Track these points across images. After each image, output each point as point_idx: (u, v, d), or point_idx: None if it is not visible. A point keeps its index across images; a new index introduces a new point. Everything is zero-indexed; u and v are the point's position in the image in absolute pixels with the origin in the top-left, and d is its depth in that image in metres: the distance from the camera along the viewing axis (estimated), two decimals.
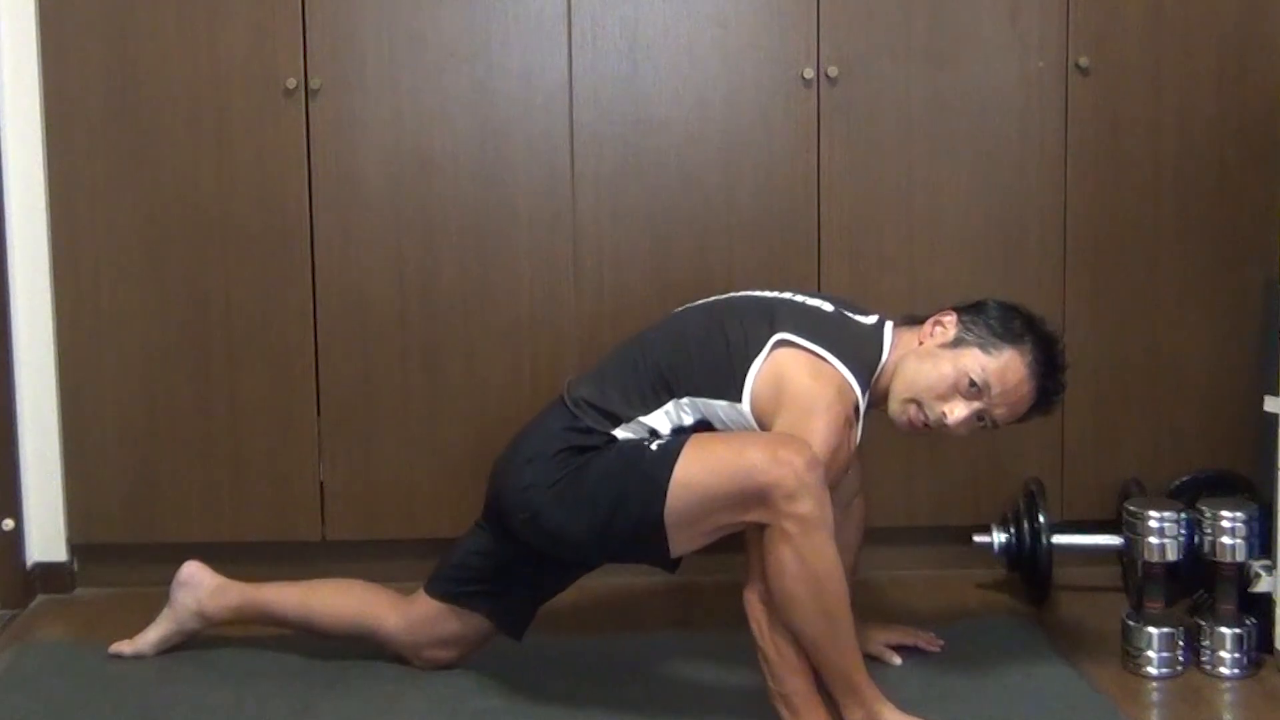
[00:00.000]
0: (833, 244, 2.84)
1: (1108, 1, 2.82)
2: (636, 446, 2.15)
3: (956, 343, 2.20)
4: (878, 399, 2.24)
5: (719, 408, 2.17)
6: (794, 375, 2.12)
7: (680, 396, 2.19)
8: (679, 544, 2.12)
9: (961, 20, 2.81)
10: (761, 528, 2.04)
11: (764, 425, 2.13)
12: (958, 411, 2.16)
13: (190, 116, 2.77)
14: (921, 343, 2.23)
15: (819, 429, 2.06)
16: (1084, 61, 2.82)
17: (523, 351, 2.84)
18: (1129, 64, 2.84)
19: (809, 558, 2.00)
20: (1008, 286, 2.83)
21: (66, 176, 2.78)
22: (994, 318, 2.23)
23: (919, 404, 2.19)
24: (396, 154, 2.80)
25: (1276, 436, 2.40)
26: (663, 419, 2.19)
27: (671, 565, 2.22)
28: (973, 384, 2.16)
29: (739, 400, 2.15)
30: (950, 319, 2.24)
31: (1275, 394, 2.42)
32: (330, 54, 2.76)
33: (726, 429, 2.17)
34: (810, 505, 1.99)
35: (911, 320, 2.30)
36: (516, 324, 2.84)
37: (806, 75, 2.80)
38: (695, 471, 2.06)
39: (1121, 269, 2.89)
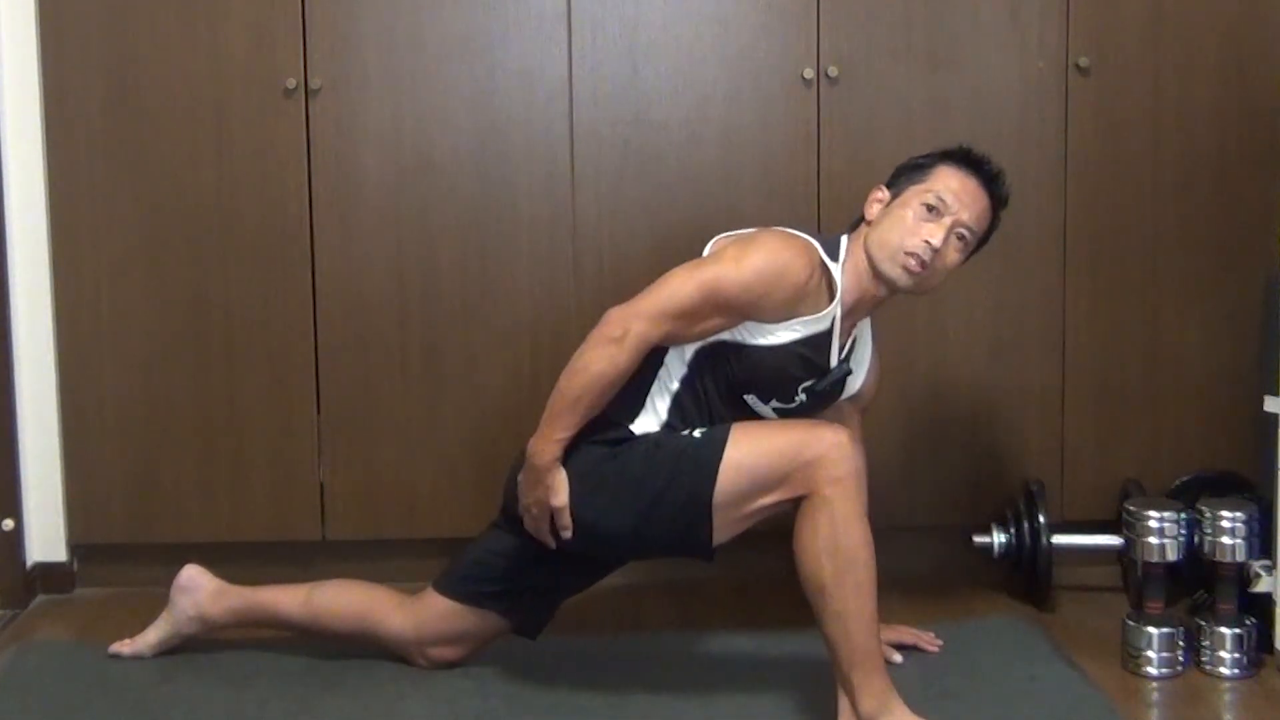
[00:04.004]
0: None
1: (1108, 1, 2.82)
2: (677, 436, 2.20)
3: (895, 195, 2.28)
4: (866, 288, 2.26)
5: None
6: (735, 238, 2.29)
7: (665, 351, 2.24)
8: (722, 528, 2.16)
9: (961, 20, 2.81)
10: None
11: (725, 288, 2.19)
12: (934, 234, 2.22)
13: (190, 116, 2.77)
14: (870, 221, 2.30)
15: (764, 240, 2.22)
16: (1084, 61, 2.82)
17: (523, 351, 2.84)
18: (1129, 64, 2.83)
19: (843, 525, 2.07)
20: (1007, 286, 2.84)
21: (66, 176, 2.78)
22: (906, 163, 2.32)
23: (905, 251, 2.23)
24: (396, 154, 2.79)
25: (1276, 436, 2.40)
26: (661, 388, 2.24)
27: (710, 553, 2.22)
28: (929, 207, 2.22)
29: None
30: (879, 190, 2.32)
31: (1275, 394, 2.42)
32: (330, 54, 2.76)
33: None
34: (847, 470, 2.10)
35: (854, 222, 2.37)
36: (516, 324, 2.84)
37: (806, 75, 2.79)
38: (744, 453, 2.14)
39: (1121, 269, 2.88)
